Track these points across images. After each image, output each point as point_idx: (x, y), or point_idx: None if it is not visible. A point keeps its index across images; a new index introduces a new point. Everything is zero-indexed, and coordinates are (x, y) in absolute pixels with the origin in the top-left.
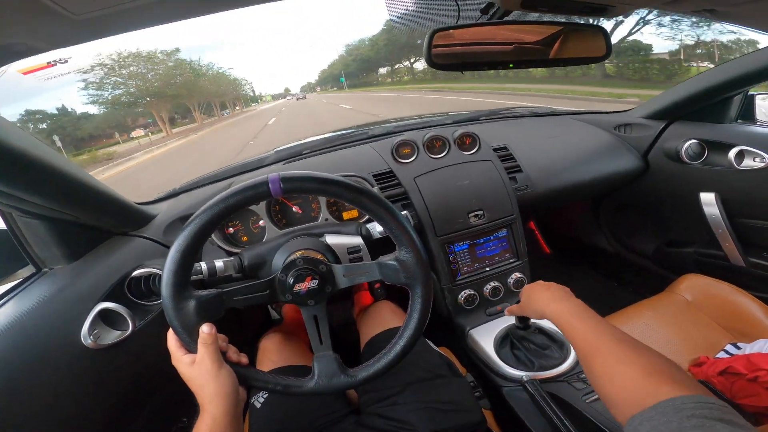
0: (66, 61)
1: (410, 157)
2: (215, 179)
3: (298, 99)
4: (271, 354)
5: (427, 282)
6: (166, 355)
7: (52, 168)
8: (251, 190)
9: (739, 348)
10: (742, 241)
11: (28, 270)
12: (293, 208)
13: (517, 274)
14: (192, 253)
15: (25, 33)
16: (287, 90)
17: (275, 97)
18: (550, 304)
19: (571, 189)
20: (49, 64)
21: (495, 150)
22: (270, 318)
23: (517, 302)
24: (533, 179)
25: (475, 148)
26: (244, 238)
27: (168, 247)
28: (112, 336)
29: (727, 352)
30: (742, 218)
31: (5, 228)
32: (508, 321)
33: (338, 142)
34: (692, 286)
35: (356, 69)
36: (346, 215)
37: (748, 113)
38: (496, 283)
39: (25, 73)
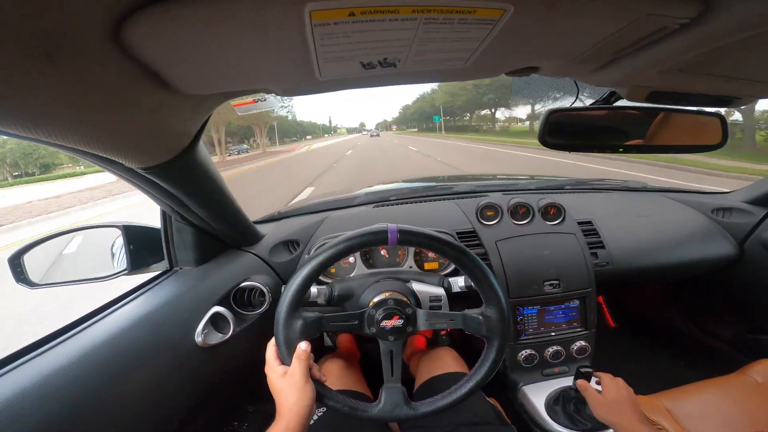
0: (265, 100)
1: (494, 220)
2: (309, 211)
3: (371, 136)
4: (333, 378)
5: (505, 338)
6: (249, 361)
7: (220, 187)
8: (372, 236)
9: None
10: None
11: (158, 266)
12: (381, 251)
13: (582, 342)
14: (312, 280)
15: (275, 82)
16: (362, 125)
17: (350, 131)
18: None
19: (654, 271)
20: (253, 101)
21: (579, 223)
22: (323, 344)
23: (595, 384)
24: (615, 257)
25: (560, 219)
26: (332, 270)
27: (270, 266)
28: (216, 337)
29: None
30: None
31: (158, 227)
32: (562, 383)
33: (424, 194)
34: (766, 369)
35: (460, 106)
36: (427, 265)
37: None
38: (559, 348)
39: (235, 105)
